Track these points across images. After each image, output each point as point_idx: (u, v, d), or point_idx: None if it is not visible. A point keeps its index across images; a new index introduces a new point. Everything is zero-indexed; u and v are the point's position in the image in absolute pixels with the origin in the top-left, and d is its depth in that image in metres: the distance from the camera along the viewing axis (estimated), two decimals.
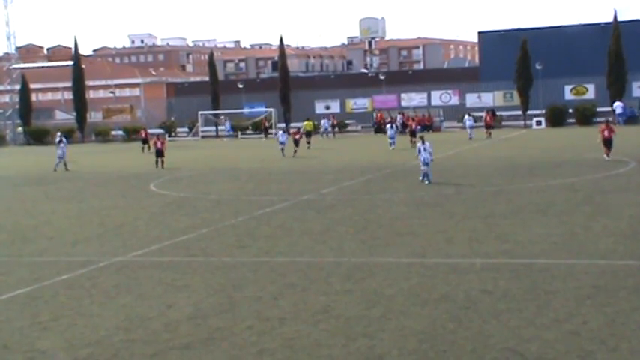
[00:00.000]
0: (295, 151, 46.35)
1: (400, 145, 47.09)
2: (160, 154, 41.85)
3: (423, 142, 28.58)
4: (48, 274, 15.48)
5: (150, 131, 63.68)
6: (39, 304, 13.22)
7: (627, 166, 30.75)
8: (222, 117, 75.25)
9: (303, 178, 32.54)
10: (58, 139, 46.37)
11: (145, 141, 56.23)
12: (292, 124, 73.03)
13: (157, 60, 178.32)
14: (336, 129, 68.37)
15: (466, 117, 57.56)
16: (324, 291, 13.14)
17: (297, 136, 48.71)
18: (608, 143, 34.13)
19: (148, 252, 17.51)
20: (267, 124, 72.65)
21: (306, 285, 13.63)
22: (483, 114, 59.87)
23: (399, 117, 65.68)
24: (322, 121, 67.04)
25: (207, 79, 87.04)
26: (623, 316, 10.92)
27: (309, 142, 52.83)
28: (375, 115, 71.95)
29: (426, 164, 28.10)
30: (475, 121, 57.36)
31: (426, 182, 27.74)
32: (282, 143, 47.02)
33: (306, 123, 56.56)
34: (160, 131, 51.54)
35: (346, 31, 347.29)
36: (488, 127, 55.41)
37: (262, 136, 71.06)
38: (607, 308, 11.30)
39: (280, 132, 50.78)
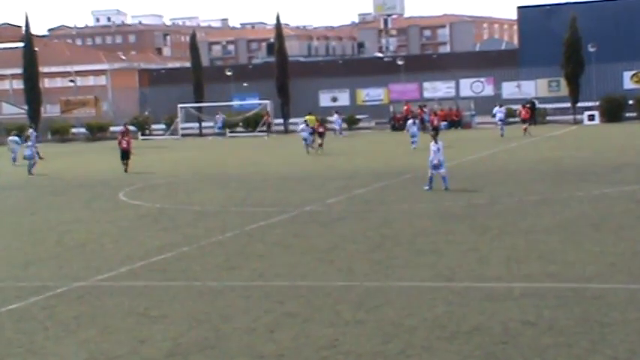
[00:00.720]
0: (321, 144, 49.47)
1: (423, 145, 47.06)
2: (124, 155, 42.13)
3: (436, 141, 28.97)
4: None
5: (115, 129, 63.91)
6: None
7: None
8: (218, 113, 75.40)
9: (305, 185, 32.58)
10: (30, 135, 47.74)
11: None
12: (292, 120, 73.26)
13: (127, 42, 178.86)
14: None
15: (496, 108, 58.33)
16: (330, 322, 13.14)
17: (322, 129, 51.42)
18: None
19: (116, 275, 17.52)
20: (269, 119, 72.88)
21: (308, 315, 13.63)
22: (519, 107, 60.03)
23: (335, 116, 66.07)
24: (334, 117, 66.90)
25: (188, 65, 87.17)
26: None
27: (316, 143, 52.82)
28: (391, 109, 71.93)
29: (436, 167, 28.54)
30: (507, 116, 57.91)
31: (444, 188, 28.16)
32: (305, 139, 49.59)
33: (307, 118, 56.68)
34: (122, 128, 51.81)
35: (357, 7, 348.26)
36: (524, 121, 55.87)
37: (265, 134, 71.24)
38: None
39: (302, 125, 52.77)
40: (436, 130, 50.00)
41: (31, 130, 52.77)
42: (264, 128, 72.83)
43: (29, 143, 45.29)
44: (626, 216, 21.75)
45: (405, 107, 69.33)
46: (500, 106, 59.37)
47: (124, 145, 42.44)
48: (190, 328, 13.21)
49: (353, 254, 18.46)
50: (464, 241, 19.38)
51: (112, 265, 18.46)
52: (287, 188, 32.03)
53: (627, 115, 66.73)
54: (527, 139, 51.73)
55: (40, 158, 47.32)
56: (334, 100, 78.08)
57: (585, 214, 22.39)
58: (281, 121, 75.37)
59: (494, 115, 58.66)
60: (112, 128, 78.03)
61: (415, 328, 12.60)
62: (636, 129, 57.37)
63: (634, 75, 70.26)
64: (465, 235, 20.07)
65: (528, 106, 59.41)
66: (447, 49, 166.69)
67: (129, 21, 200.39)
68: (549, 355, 11.08)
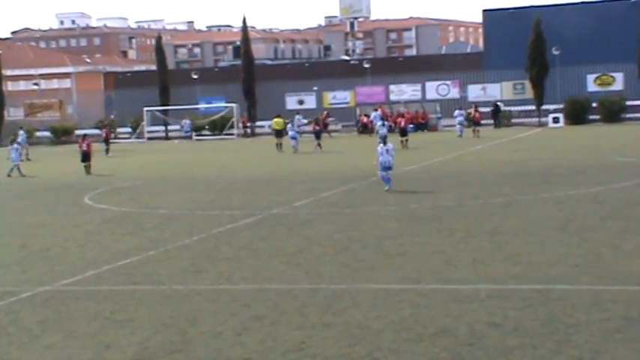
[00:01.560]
0: (319, 144, 51.25)
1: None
2: (85, 157, 42.74)
3: (385, 143, 30.00)
4: None
5: (81, 132, 63.74)
6: None
7: None
8: (185, 118, 75.08)
9: (271, 188, 32.54)
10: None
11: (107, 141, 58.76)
12: (258, 123, 73.12)
13: (91, 45, 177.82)
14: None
15: (456, 111, 60.16)
16: (297, 324, 13.13)
17: (317, 127, 53.50)
18: None
19: (81, 280, 17.40)
20: (247, 122, 72.63)
21: (275, 318, 13.61)
22: (472, 109, 61.42)
23: (373, 114, 66.16)
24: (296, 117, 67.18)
25: (154, 67, 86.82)
26: None
27: (279, 145, 52.99)
28: (357, 111, 72.07)
29: (387, 169, 29.28)
30: (467, 118, 59.61)
31: (386, 188, 28.96)
32: (293, 138, 51.56)
33: (275, 120, 56.69)
34: (83, 132, 53.87)
35: (323, 10, 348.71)
36: (476, 124, 57.65)
37: (235, 136, 71.22)
38: None
39: (289, 125, 54.44)
40: (404, 132, 50.76)
41: (21, 131, 53.82)
42: (234, 132, 72.60)
43: (15, 145, 44.79)
44: (590, 217, 21.94)
45: (380, 110, 69.51)
46: (460, 108, 60.70)
47: (85, 147, 42.94)
48: (156, 333, 13.14)
49: (320, 257, 18.46)
50: (430, 243, 19.46)
51: (77, 270, 18.33)
52: (254, 191, 31.98)
53: (591, 117, 67.35)
54: (492, 141, 51.98)
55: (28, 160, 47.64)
56: (301, 103, 78.02)
57: (550, 215, 22.56)
58: (248, 124, 75.17)
59: (455, 118, 59.98)
60: (77, 132, 77.52)
61: (382, 330, 12.62)
62: (600, 131, 57.95)
63: (597, 78, 70.92)
64: (432, 238, 20.15)
65: (479, 108, 60.89)
66: (413, 52, 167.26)
67: (94, 24, 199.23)
68: (515, 356, 11.14)
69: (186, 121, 74.76)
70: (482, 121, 60.32)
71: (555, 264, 16.50)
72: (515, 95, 72.11)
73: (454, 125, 60.20)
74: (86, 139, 44.12)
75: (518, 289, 14.70)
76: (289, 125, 54.54)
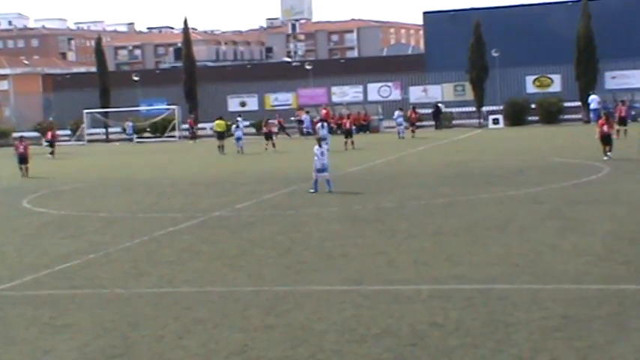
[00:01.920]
0: (274, 145, 52.24)
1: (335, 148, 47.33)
2: (22, 160, 42.60)
3: (321, 145, 30.01)
4: None
5: (17, 134, 62.80)
6: None
7: (600, 171, 31.56)
8: (127, 120, 74.43)
9: (213, 191, 32.42)
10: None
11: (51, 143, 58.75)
12: (200, 125, 72.75)
13: (29, 46, 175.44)
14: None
15: (396, 113, 61.36)
16: (240, 327, 13.09)
17: (272, 128, 54.94)
18: (607, 140, 35.48)
19: (19, 284, 17.15)
20: (193, 124, 72.01)
21: (218, 320, 13.56)
22: (409, 110, 62.97)
23: (305, 116, 66.69)
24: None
25: (93, 69, 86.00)
26: (597, 351, 11.17)
27: (221, 147, 52.85)
28: (297, 112, 72.15)
29: (322, 170, 29.33)
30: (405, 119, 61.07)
31: (327, 191, 28.98)
32: (239, 139, 52.41)
33: (216, 122, 56.53)
34: (20, 134, 54.43)
35: (265, 12, 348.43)
36: (413, 124, 59.51)
37: (176, 138, 70.81)
38: (578, 342, 11.55)
39: (234, 126, 54.99)
40: (349, 133, 51.05)
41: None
42: (176, 134, 72.14)
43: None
44: (529, 217, 22.20)
45: (324, 111, 69.73)
46: (400, 109, 61.48)
47: (21, 149, 42.86)
48: (97, 337, 13.01)
49: (262, 259, 18.43)
50: (373, 244, 19.53)
51: (15, 274, 18.06)
52: (196, 193, 31.83)
53: (530, 118, 68.23)
54: (433, 143, 52.41)
55: None
56: (243, 104, 77.90)
57: (490, 216, 22.79)
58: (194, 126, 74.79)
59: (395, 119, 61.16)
60: (14, 134, 76.39)
61: (325, 331, 12.63)
62: (538, 132, 58.73)
63: (536, 79, 71.87)
64: (374, 239, 20.23)
65: (416, 109, 62.33)
66: (354, 53, 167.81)
67: (32, 25, 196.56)
68: (456, 356, 11.23)
69: (128, 124, 74.20)
70: (424, 123, 61.03)
71: (496, 264, 16.67)
72: (456, 97, 72.82)
73: (395, 127, 60.68)
74: (23, 142, 43.91)
75: (460, 289, 14.82)
76: (234, 127, 54.81)
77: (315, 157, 29.60)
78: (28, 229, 24.93)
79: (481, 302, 13.79)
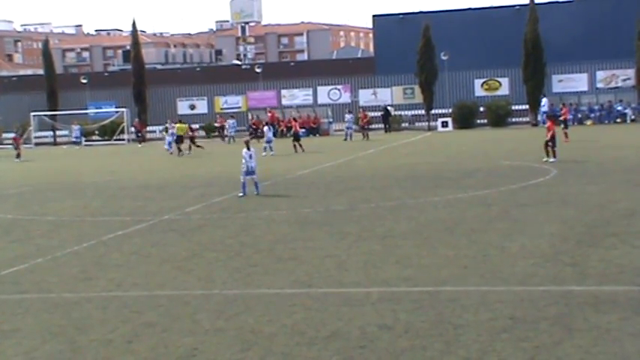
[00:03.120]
0: (190, 147, 52.84)
1: (280, 151, 47.32)
2: None
3: (249, 148, 30.22)
4: None
5: None
6: None
7: (548, 174, 31.92)
8: (74, 123, 73.56)
9: (162, 194, 32.24)
10: None
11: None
12: (150, 128, 72.31)
13: None
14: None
15: (347, 116, 62.18)
16: (189, 331, 13.05)
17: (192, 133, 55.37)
18: (553, 142, 36.21)
19: None
20: (141, 128, 71.35)
21: (167, 324, 13.50)
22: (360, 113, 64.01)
23: (230, 121, 66.62)
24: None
25: (41, 72, 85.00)
26: (544, 352, 11.30)
27: (181, 150, 52.43)
28: (249, 116, 72.07)
29: (249, 173, 29.79)
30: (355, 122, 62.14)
31: (255, 193, 29.54)
32: (170, 143, 53.99)
33: (178, 126, 56.15)
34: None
35: (214, 14, 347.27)
36: (362, 127, 60.54)
37: (125, 141, 70.22)
38: (526, 343, 11.67)
39: (164, 130, 56.52)
40: (297, 136, 51.21)
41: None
42: (125, 137, 71.61)
43: None
44: (478, 220, 22.39)
45: (270, 114, 69.67)
46: (350, 112, 62.18)
47: None
48: (44, 342, 12.88)
49: (212, 262, 18.38)
50: (322, 247, 19.56)
51: None
52: (145, 197, 31.63)
53: (478, 121, 68.81)
54: (383, 145, 52.60)
55: None
56: (192, 107, 77.51)
57: (440, 218, 22.94)
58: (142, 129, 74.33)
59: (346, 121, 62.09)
60: None
61: (274, 334, 12.63)
62: (487, 135, 59.22)
63: (484, 83, 72.45)
64: (324, 241, 20.26)
65: (366, 112, 63.24)
66: (304, 56, 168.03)
67: None
68: (405, 358, 11.29)
69: (75, 127, 73.45)
70: (373, 126, 61.44)
71: (445, 266, 16.79)
72: (406, 100, 73.10)
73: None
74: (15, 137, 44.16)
75: (409, 291, 14.90)
76: (166, 132, 56.34)
77: (243, 160, 29.91)
78: None
79: (430, 304, 13.88)
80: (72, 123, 73.97)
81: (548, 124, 37.88)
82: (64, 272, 18.13)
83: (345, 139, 58.20)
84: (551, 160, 35.68)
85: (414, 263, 17.20)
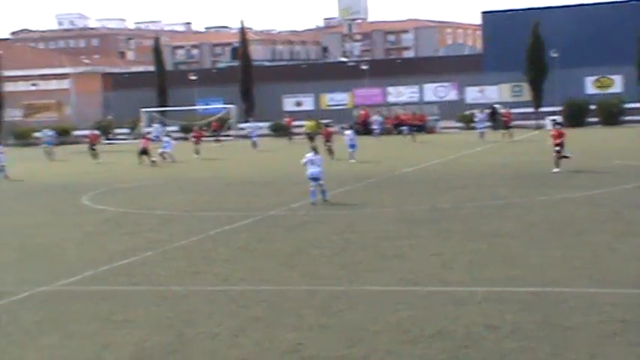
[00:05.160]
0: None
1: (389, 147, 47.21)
2: (144, 152, 46.91)
3: (316, 153, 28.46)
4: None
5: (79, 132, 63.21)
6: None
7: None
8: (155, 123, 74.04)
9: (268, 190, 32.55)
10: None
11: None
12: (258, 124, 73.00)
13: (90, 46, 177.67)
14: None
15: (479, 115, 59.64)
16: (294, 326, 13.14)
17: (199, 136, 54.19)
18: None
19: (79, 280, 17.41)
20: (217, 127, 71.13)
21: (272, 319, 13.62)
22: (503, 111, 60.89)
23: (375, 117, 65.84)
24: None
25: (151, 69, 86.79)
26: None
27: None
28: (355, 113, 72.20)
29: (314, 179, 27.42)
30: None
31: (324, 200, 27.32)
32: (165, 147, 50.05)
33: (307, 123, 55.75)
34: (147, 130, 55.21)
35: (321, 11, 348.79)
36: (505, 127, 56.34)
37: (232, 138, 70.88)
38: (637, 348, 11.41)
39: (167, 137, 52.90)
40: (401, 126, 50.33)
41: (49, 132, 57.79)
42: (231, 133, 72.32)
43: None
44: (587, 220, 21.96)
45: (362, 112, 69.59)
46: (482, 111, 61.23)
47: (144, 144, 47.19)
48: (154, 333, 13.16)
49: (317, 259, 18.48)
50: (428, 245, 19.47)
51: (75, 270, 18.34)
52: (251, 193, 31.98)
53: (589, 120, 67.35)
54: (490, 144, 51.93)
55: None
56: (298, 104, 78.11)
57: (548, 218, 22.57)
58: (245, 125, 75.11)
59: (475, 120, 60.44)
60: (75, 132, 77.50)
61: (379, 332, 12.63)
62: (598, 134, 57.97)
63: (596, 80, 70.96)
64: (429, 240, 20.17)
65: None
66: (411, 53, 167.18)
67: (92, 25, 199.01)
68: (512, 359, 11.16)
69: (156, 125, 71.94)
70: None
71: (552, 266, 16.53)
72: (513, 97, 72.20)
73: (452, 127, 60.18)
74: (145, 137, 47.93)
75: (516, 291, 14.72)
76: (165, 138, 52.59)
77: (306, 165, 27.83)
78: (88, 225, 25.27)
79: (537, 305, 13.68)
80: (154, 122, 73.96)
81: None
82: (172, 265, 18.49)
83: (482, 137, 55.00)
84: None
85: (520, 263, 16.97)
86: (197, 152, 52.26)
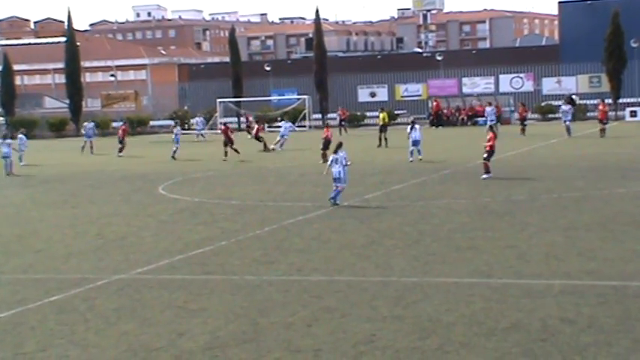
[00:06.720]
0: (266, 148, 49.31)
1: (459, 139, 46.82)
2: (228, 142, 45.13)
3: (340, 150, 25.76)
4: (34, 295, 15.66)
5: (156, 122, 63.31)
6: (23, 331, 13.39)
7: None
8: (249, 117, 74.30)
9: None
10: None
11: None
12: (330, 115, 73.14)
13: (166, 37, 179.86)
14: (344, 123, 65.23)
15: (563, 107, 54.93)
16: (368, 317, 13.14)
17: (259, 130, 53.37)
18: None
19: (155, 268, 17.65)
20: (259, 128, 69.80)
21: (346, 310, 13.63)
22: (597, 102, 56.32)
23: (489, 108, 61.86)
24: (196, 119, 67.41)
25: (227, 59, 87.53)
26: None
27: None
28: (429, 104, 71.82)
29: (336, 180, 25.44)
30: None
31: (338, 203, 25.30)
32: (177, 142, 47.59)
33: (381, 114, 55.37)
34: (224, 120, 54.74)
35: (396, 2, 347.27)
36: (600, 121, 51.52)
37: (307, 128, 71.06)
38: None
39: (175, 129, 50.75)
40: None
41: (89, 124, 55.73)
42: (306, 123, 72.45)
43: (8, 141, 42.49)
44: None
45: (435, 103, 69.04)
46: (567, 103, 57.60)
47: (228, 134, 45.49)
48: (228, 322, 13.27)
49: (390, 250, 18.44)
50: (502, 237, 19.29)
51: (151, 259, 18.59)
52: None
53: None
54: (567, 135, 51.06)
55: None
56: (373, 95, 78.03)
57: (626, 211, 22.17)
58: (319, 116, 75.35)
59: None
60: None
61: (453, 324, 12.56)
62: None
63: None
64: (504, 232, 19.98)
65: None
66: (486, 44, 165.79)
67: (169, 16, 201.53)
68: (589, 353, 10.99)
69: (199, 119, 71.42)
70: (557, 115, 59.19)
71: (631, 260, 16.24)
72: (591, 89, 71.05)
73: (529, 119, 58.99)
74: (226, 126, 47.12)
75: (593, 285, 14.49)
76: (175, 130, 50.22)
77: (331, 166, 25.67)
78: (164, 215, 25.58)
79: (615, 299, 13.45)
80: (252, 110, 74.43)
81: None
82: (246, 255, 18.61)
83: (569, 133, 50.93)
84: None
85: (598, 256, 16.71)
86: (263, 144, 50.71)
